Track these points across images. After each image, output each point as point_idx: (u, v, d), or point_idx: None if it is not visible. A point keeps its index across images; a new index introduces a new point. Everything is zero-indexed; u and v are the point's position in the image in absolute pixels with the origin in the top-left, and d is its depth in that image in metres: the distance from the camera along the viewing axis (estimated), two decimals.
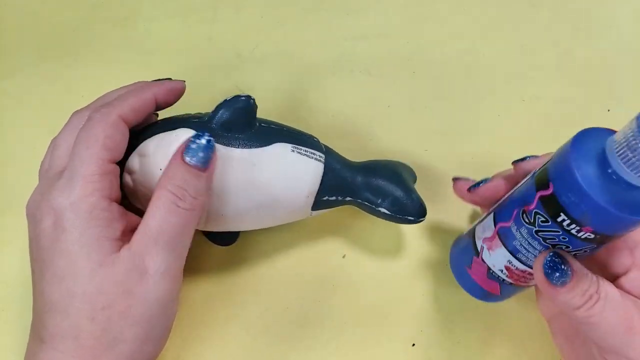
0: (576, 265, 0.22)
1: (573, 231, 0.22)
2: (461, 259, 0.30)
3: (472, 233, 0.29)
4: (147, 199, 0.26)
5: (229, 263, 0.33)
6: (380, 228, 0.34)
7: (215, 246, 0.33)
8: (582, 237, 0.22)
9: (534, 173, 0.24)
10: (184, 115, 0.29)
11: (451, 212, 0.35)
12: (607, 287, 0.22)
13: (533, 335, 0.32)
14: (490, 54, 0.39)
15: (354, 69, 0.39)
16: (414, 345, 0.32)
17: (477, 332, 0.32)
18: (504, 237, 0.26)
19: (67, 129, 0.26)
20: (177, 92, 0.28)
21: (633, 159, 0.19)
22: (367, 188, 0.30)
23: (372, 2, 0.41)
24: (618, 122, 0.38)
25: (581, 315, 0.22)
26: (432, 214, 0.35)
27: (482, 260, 0.27)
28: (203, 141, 0.24)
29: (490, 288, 0.28)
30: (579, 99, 0.38)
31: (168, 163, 0.24)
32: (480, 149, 0.36)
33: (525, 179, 0.25)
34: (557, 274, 0.22)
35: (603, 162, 0.20)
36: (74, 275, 0.22)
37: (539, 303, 0.28)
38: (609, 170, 0.20)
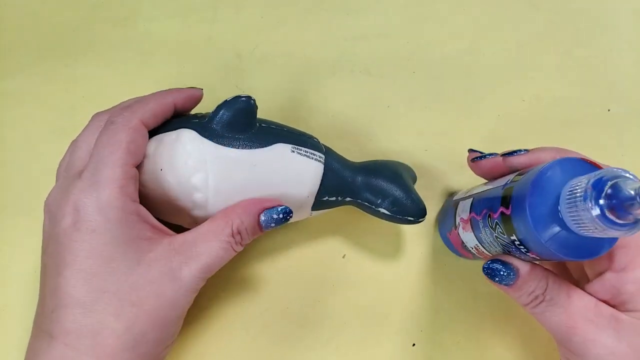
0: (524, 268, 0.24)
1: (522, 250, 0.23)
2: (444, 224, 0.32)
3: (456, 205, 0.31)
4: (148, 200, 0.26)
5: (229, 263, 0.33)
6: (380, 228, 0.34)
7: None
8: (530, 256, 0.23)
9: (506, 183, 0.25)
10: (184, 115, 0.29)
11: None
12: (555, 289, 0.24)
13: (533, 335, 0.32)
14: (490, 54, 0.39)
15: (354, 69, 0.39)
16: (414, 345, 0.32)
17: (477, 333, 0.32)
18: (474, 226, 0.27)
19: (88, 131, 0.26)
20: (195, 99, 0.29)
21: (575, 213, 0.20)
22: (367, 188, 0.30)
23: (372, 2, 0.41)
24: (618, 122, 0.39)
25: (529, 312, 0.25)
26: (432, 213, 0.35)
27: (458, 234, 0.29)
28: (283, 217, 0.26)
29: (464, 253, 0.31)
30: (579, 99, 0.38)
31: (245, 204, 0.26)
32: (480, 148, 0.36)
33: (500, 183, 0.26)
34: (497, 279, 0.24)
35: (557, 200, 0.21)
36: (108, 273, 0.23)
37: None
38: (559, 208, 0.21)
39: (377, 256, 0.34)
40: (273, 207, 0.26)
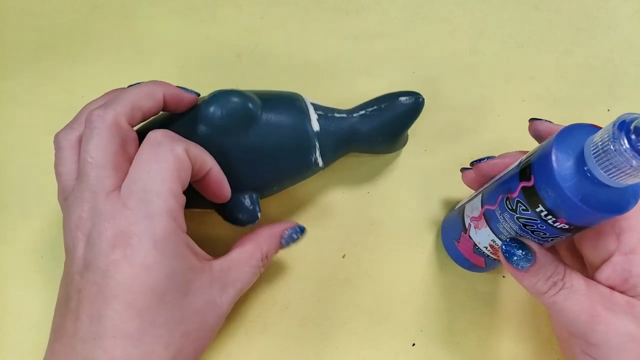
0: (540, 252, 0.24)
1: (550, 221, 0.23)
2: (451, 233, 0.32)
3: (461, 210, 0.31)
4: None
5: None
6: (379, 228, 0.34)
7: (215, 246, 0.33)
8: (558, 226, 0.23)
9: (520, 162, 0.25)
10: None
11: None
12: (573, 276, 0.24)
13: (533, 335, 0.32)
14: (490, 54, 0.39)
15: (354, 69, 0.39)
16: (414, 345, 0.32)
17: (477, 333, 0.32)
18: (489, 218, 0.27)
19: (102, 138, 0.24)
20: (183, 102, 0.28)
21: (606, 161, 0.20)
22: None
23: (372, 2, 0.41)
24: None
25: (547, 301, 0.24)
26: (433, 214, 0.35)
27: (469, 236, 0.29)
28: (300, 236, 0.30)
29: (476, 261, 0.30)
30: (579, 99, 0.38)
31: (270, 229, 0.29)
32: (481, 149, 0.36)
33: (511, 167, 0.26)
34: (515, 258, 0.24)
35: (581, 159, 0.22)
36: (161, 307, 0.23)
37: (552, 323, 0.29)
38: (585, 168, 0.21)
39: (377, 256, 0.34)
40: (292, 228, 0.29)
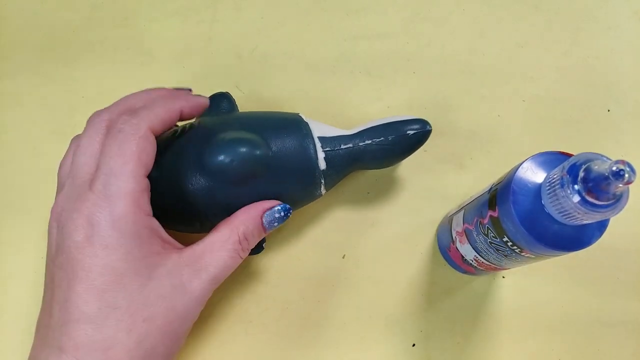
0: None
1: (516, 250, 0.23)
2: (443, 240, 0.32)
3: (450, 221, 0.31)
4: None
5: None
6: (380, 228, 0.34)
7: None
8: (525, 255, 0.23)
9: (491, 187, 0.25)
10: None
11: None
12: None
13: (533, 335, 0.32)
14: (490, 54, 0.39)
15: (354, 69, 0.39)
16: (414, 345, 0.32)
17: (477, 333, 0.32)
18: (468, 236, 0.27)
19: (91, 132, 0.25)
20: (201, 109, 0.29)
21: (558, 204, 0.20)
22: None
23: (372, 2, 0.41)
24: (618, 122, 0.39)
25: None
26: (433, 214, 0.35)
27: (456, 248, 0.30)
28: (285, 215, 0.28)
29: (466, 268, 0.31)
30: (579, 99, 0.38)
31: (246, 209, 0.27)
32: (480, 149, 0.36)
33: (486, 189, 0.26)
34: None
35: (539, 195, 0.21)
36: (120, 289, 0.23)
37: None
38: (543, 202, 0.21)
39: (376, 256, 0.34)
40: (273, 207, 0.27)
